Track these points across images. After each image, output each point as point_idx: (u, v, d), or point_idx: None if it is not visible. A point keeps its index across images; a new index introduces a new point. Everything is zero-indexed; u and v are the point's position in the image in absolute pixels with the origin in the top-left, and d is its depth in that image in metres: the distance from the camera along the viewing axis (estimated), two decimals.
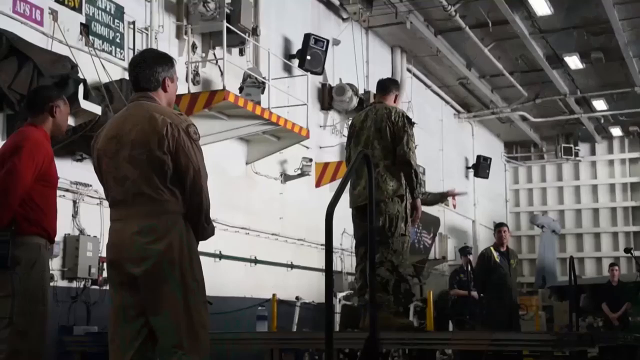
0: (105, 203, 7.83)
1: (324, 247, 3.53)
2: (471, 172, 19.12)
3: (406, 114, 5.46)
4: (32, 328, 3.95)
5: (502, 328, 8.27)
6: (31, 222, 4.02)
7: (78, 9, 7.89)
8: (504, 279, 8.88)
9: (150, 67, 3.53)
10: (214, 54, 9.79)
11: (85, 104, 6.99)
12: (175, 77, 3.64)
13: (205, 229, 3.47)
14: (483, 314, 9.74)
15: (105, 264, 3.67)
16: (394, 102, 5.59)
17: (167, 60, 3.61)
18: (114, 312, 3.44)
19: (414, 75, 15.73)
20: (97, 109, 7.13)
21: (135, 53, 8.59)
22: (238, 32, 9.47)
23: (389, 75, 14.47)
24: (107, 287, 7.61)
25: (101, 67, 7.75)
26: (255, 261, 10.31)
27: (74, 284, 7.52)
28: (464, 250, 10.95)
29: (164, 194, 3.37)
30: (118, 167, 3.43)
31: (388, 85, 5.69)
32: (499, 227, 9.23)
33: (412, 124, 5.39)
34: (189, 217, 3.41)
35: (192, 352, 3.30)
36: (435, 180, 17.02)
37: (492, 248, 9.05)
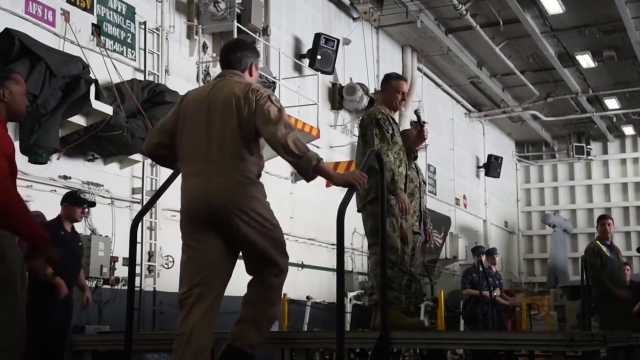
0: (117, 203, 7.97)
1: (334, 246, 3.55)
2: (482, 171, 19.08)
3: (379, 113, 5.18)
4: None
5: (623, 325, 7.43)
6: None
7: (89, 10, 7.93)
8: (617, 274, 8.27)
9: (241, 51, 3.93)
10: None
11: (97, 104, 7.02)
12: (258, 67, 4.03)
13: (296, 164, 3.59)
14: (494, 313, 9.70)
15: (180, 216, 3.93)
16: (389, 94, 5.34)
17: (255, 50, 4.07)
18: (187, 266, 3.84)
19: (425, 74, 15.71)
20: (108, 109, 7.16)
21: (147, 52, 8.65)
22: (248, 32, 9.50)
23: None
24: (119, 287, 7.69)
25: (112, 68, 7.79)
26: None
27: (86, 284, 7.56)
28: (477, 250, 10.92)
29: (247, 154, 3.66)
30: (208, 127, 3.69)
31: (381, 85, 5.57)
32: (602, 220, 8.49)
33: (379, 125, 5.11)
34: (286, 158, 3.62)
35: (263, 283, 3.75)
36: (445, 179, 17.00)
37: (597, 242, 8.41)
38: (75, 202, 6.35)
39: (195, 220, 3.74)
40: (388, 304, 4.96)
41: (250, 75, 3.93)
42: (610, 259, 8.22)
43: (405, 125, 13.12)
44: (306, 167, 3.57)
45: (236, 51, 3.93)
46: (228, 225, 3.66)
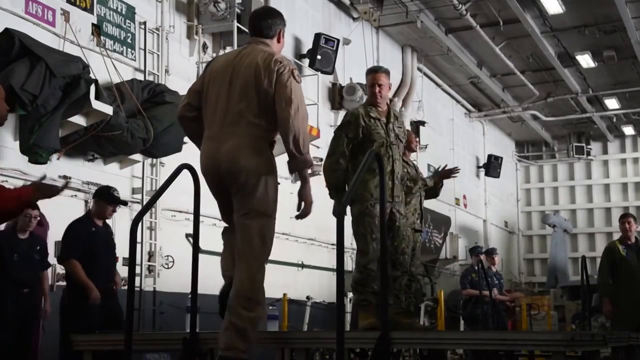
0: None
1: (334, 246, 3.54)
2: (482, 171, 19.07)
3: (350, 116, 5.20)
4: None
5: (635, 326, 7.25)
6: None
7: (89, 10, 7.93)
8: (633, 275, 7.95)
9: (272, 17, 4.10)
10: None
11: (97, 104, 7.02)
12: (285, 34, 4.19)
13: (294, 156, 3.82)
14: (494, 313, 9.69)
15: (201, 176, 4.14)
16: (367, 90, 5.35)
17: (283, 17, 4.16)
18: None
19: (425, 74, 15.70)
20: (108, 110, 7.16)
21: (147, 52, 8.65)
22: (248, 32, 9.48)
23: (400, 75, 14.48)
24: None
25: (112, 68, 7.79)
26: None
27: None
28: (475, 250, 10.91)
29: (262, 122, 3.84)
30: (229, 92, 3.88)
31: None
32: (622, 219, 8.31)
33: (341, 127, 5.19)
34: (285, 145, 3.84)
35: (250, 258, 3.80)
36: (446, 180, 16.97)
37: (617, 242, 8.22)
38: (108, 199, 6.29)
39: (210, 183, 4.00)
40: (360, 306, 4.99)
41: (278, 42, 4.10)
42: (626, 259, 7.99)
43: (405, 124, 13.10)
44: (298, 166, 3.85)
45: (267, 18, 4.10)
46: (237, 187, 3.83)
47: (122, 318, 6.28)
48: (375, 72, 5.26)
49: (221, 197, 4.00)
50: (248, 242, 3.82)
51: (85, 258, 6.04)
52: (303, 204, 3.92)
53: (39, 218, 6.45)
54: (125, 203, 6.70)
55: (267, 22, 4.07)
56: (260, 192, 3.83)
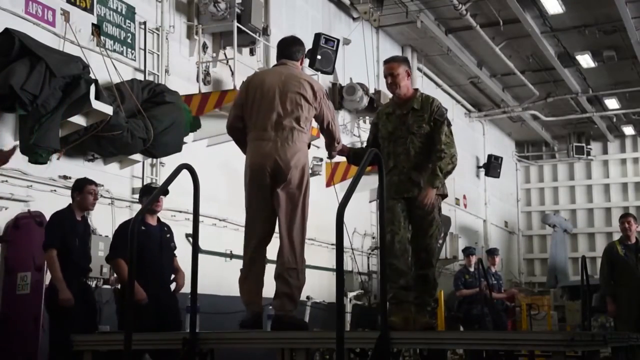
0: (117, 203, 7.98)
1: (334, 246, 3.54)
2: (482, 171, 19.07)
3: (375, 114, 5.67)
4: None
5: (633, 326, 7.49)
6: None
7: (89, 10, 7.93)
8: (630, 275, 7.95)
9: (296, 45, 5.11)
10: (225, 54, 9.81)
11: (97, 105, 7.02)
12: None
13: (335, 149, 5.19)
14: (492, 313, 9.67)
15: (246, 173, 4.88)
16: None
17: (304, 45, 5.19)
18: (251, 209, 4.88)
19: (425, 74, 15.70)
20: (108, 109, 7.16)
21: (147, 52, 8.65)
22: (248, 32, 9.50)
23: None
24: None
25: (112, 68, 7.79)
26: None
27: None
28: (467, 250, 10.91)
29: (304, 130, 4.85)
30: (276, 102, 4.78)
31: None
32: (622, 219, 8.32)
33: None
34: (325, 140, 5.15)
35: (292, 235, 4.87)
36: (446, 180, 16.97)
37: (616, 242, 8.25)
38: (150, 194, 6.29)
39: (259, 177, 4.76)
40: (390, 304, 5.00)
41: (301, 64, 5.11)
42: (624, 260, 7.99)
43: None
44: (335, 152, 5.22)
45: (292, 45, 5.08)
46: (285, 180, 4.72)
47: (172, 321, 6.25)
48: (385, 63, 5.25)
49: (262, 193, 4.78)
50: (291, 221, 4.81)
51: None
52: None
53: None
54: (166, 192, 6.65)
55: (293, 48, 5.04)
56: (303, 183, 4.81)
